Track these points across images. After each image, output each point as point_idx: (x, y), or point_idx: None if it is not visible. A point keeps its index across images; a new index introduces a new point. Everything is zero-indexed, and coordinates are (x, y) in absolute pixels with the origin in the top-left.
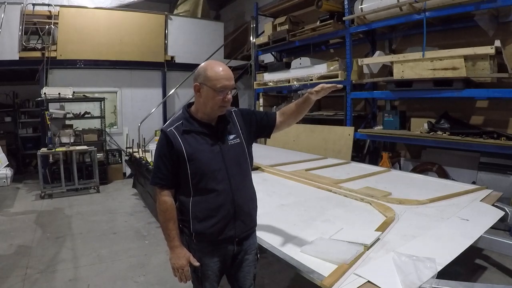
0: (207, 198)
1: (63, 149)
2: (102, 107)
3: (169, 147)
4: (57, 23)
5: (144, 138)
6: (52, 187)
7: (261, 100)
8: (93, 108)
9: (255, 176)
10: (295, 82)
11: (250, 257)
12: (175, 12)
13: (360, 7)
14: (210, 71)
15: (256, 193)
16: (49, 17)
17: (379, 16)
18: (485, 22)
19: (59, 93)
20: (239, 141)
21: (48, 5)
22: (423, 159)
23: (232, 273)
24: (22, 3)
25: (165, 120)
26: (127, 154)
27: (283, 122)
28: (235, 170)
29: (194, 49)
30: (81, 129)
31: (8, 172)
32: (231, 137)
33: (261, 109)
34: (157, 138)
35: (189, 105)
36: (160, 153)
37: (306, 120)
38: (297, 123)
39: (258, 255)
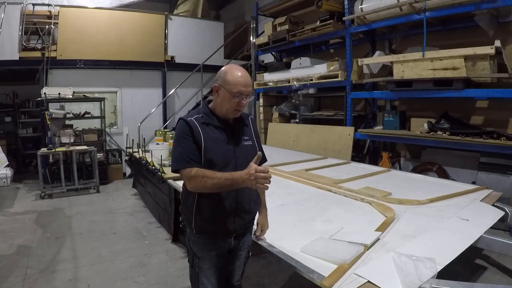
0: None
1: (63, 149)
2: (102, 107)
3: (190, 132)
4: (57, 23)
5: (144, 138)
6: (52, 187)
7: (261, 100)
8: (93, 108)
9: None
10: (295, 82)
11: (243, 253)
12: (175, 12)
13: (360, 7)
14: (229, 75)
15: None
16: (49, 17)
17: (379, 16)
18: (485, 22)
19: (59, 93)
20: (251, 143)
21: (48, 5)
22: (423, 159)
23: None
24: (22, 3)
25: (165, 120)
26: (127, 154)
27: None
28: (244, 169)
29: (194, 49)
30: (81, 129)
31: (8, 172)
32: (245, 138)
33: (261, 109)
34: (157, 138)
35: (209, 101)
36: (184, 136)
37: (306, 120)
38: (297, 123)
39: (250, 253)
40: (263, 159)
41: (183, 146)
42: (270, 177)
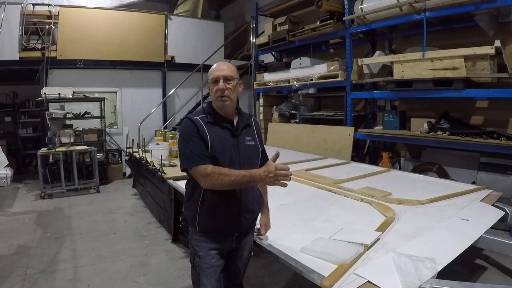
0: (218, 190)
1: (63, 149)
2: (102, 107)
3: (197, 131)
4: (57, 23)
5: (144, 138)
6: (52, 187)
7: (261, 100)
8: (93, 108)
9: None
10: (295, 82)
11: (244, 253)
12: (175, 12)
13: (360, 7)
14: (209, 70)
15: None
16: (49, 17)
17: (379, 16)
18: (485, 22)
19: (59, 93)
20: (254, 143)
21: (48, 5)
22: (423, 159)
23: (224, 267)
24: (22, 3)
25: (165, 120)
26: (127, 154)
27: None
28: (247, 168)
29: (194, 49)
30: (81, 129)
31: (8, 172)
32: (248, 138)
33: (261, 109)
34: (157, 138)
35: (212, 102)
36: (192, 134)
37: (306, 120)
38: (297, 123)
39: (252, 253)
40: (265, 159)
41: (193, 144)
42: (291, 174)
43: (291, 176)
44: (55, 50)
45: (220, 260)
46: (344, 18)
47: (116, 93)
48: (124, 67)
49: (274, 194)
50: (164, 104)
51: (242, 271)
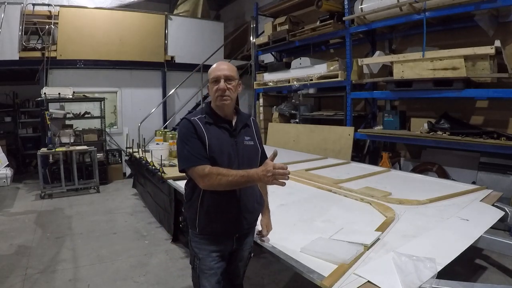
0: (217, 191)
1: (63, 149)
2: (102, 107)
3: (195, 131)
4: (57, 23)
5: (144, 138)
6: (52, 187)
7: (261, 100)
8: (93, 108)
9: None
10: (295, 82)
11: (245, 254)
12: (175, 12)
13: (360, 7)
14: (209, 69)
15: None
16: (49, 17)
17: (379, 16)
18: (485, 22)
19: (59, 93)
20: (253, 143)
21: (48, 5)
22: (423, 159)
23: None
24: (22, 3)
25: (165, 120)
26: (127, 154)
27: None
28: (246, 168)
29: (194, 49)
30: (81, 129)
31: (8, 172)
32: (247, 138)
33: (261, 109)
34: (157, 138)
35: (210, 102)
36: (190, 134)
37: (306, 120)
38: (297, 123)
39: (252, 254)
40: (264, 159)
41: (191, 145)
42: (289, 173)
43: (289, 176)
44: (55, 50)
45: (220, 262)
46: (344, 18)
47: (116, 93)
48: (124, 67)
49: (274, 195)
50: (164, 104)
51: (242, 272)
